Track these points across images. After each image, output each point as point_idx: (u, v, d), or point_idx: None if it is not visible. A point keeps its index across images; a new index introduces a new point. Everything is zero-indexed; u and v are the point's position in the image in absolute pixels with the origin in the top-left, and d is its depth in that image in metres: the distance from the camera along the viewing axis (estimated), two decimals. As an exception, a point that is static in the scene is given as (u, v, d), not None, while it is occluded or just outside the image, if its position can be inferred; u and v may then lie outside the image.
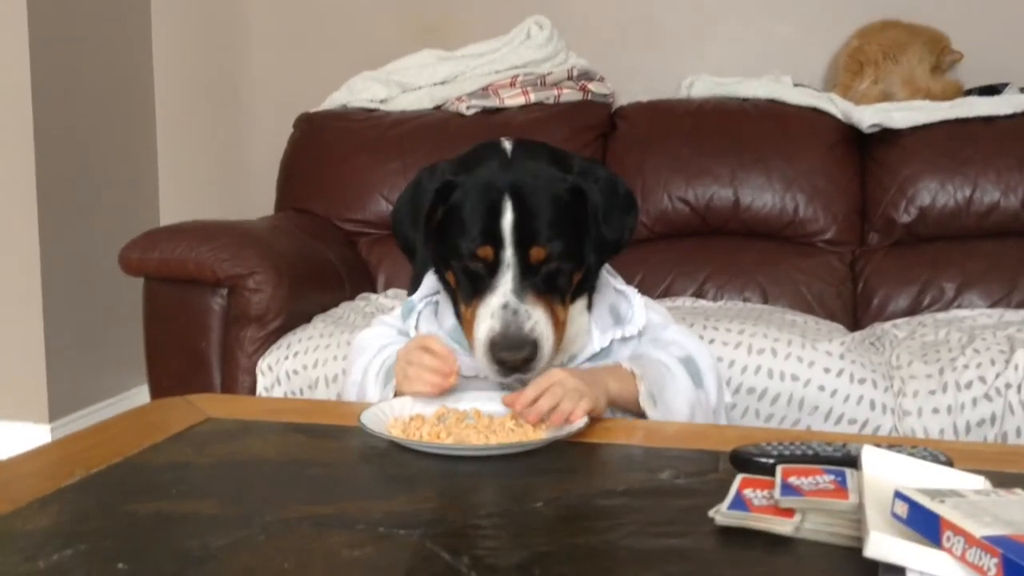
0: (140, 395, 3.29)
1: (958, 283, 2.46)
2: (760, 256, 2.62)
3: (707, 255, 2.65)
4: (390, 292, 2.60)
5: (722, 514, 0.87)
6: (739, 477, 0.95)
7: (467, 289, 1.30)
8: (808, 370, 1.93)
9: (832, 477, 0.90)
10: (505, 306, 1.24)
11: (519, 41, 3.02)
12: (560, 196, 1.31)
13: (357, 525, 0.88)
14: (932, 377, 1.92)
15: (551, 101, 2.94)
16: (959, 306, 2.42)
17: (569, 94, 2.96)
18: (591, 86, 2.98)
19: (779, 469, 0.92)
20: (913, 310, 2.47)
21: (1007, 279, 2.43)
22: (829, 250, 2.64)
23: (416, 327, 1.46)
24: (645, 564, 0.80)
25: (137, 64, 3.44)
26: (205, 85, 3.54)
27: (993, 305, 2.40)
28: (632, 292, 1.49)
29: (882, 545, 0.75)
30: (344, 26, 3.41)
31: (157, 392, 2.37)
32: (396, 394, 1.32)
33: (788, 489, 0.88)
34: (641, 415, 1.34)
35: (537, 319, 1.25)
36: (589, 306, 1.44)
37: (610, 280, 1.51)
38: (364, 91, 3.06)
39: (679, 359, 1.42)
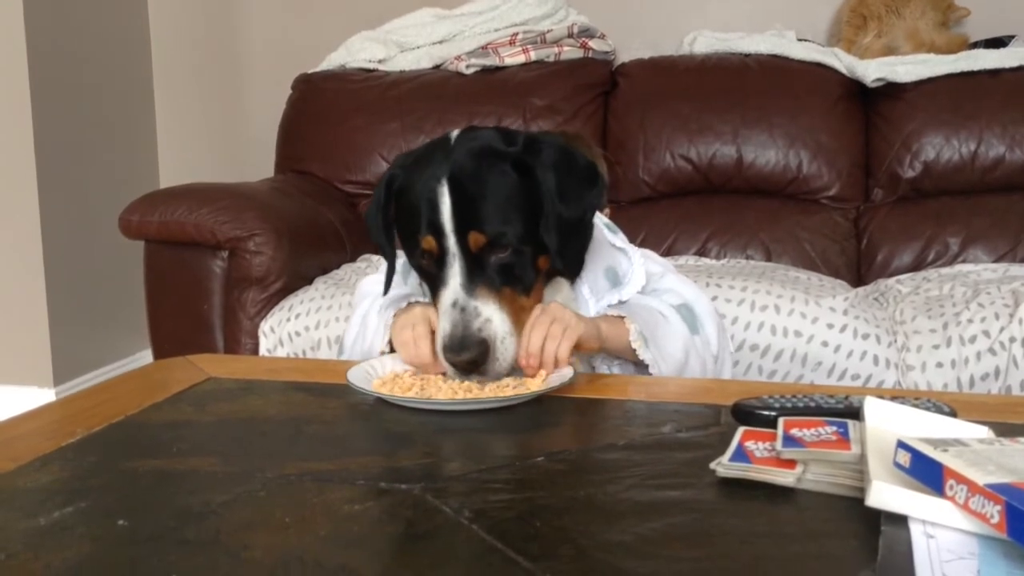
0: (145, 359, 3.30)
1: (962, 238, 2.45)
2: (763, 213, 2.61)
3: (710, 213, 2.64)
4: (391, 253, 2.59)
5: (723, 466, 0.87)
6: (740, 429, 0.95)
7: (430, 288, 1.26)
8: (811, 326, 1.93)
9: (834, 428, 0.90)
10: (455, 303, 1.18)
11: (519, -2, 2.98)
12: (503, 174, 1.22)
13: (357, 480, 0.88)
14: (936, 332, 1.91)
15: (551, 59, 2.91)
16: (963, 261, 2.41)
17: (570, 52, 2.93)
18: (592, 43, 2.95)
19: (781, 421, 0.92)
20: (917, 266, 2.47)
21: (1012, 234, 2.42)
22: (833, 207, 2.62)
23: (422, 284, 1.45)
24: (646, 515, 0.80)
25: (133, 26, 3.41)
26: (202, 46, 3.51)
27: (998, 260, 2.39)
28: (633, 250, 1.46)
29: (884, 494, 0.75)
30: (342, -15, 3.37)
31: (160, 355, 2.37)
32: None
33: (790, 441, 0.87)
34: (635, 361, 1.33)
35: (489, 315, 1.17)
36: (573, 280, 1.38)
37: (608, 237, 1.45)
38: (362, 51, 3.04)
39: (674, 306, 1.40)
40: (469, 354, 1.16)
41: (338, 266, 2.47)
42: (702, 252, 2.58)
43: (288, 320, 2.18)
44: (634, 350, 1.31)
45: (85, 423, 1.07)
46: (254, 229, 2.24)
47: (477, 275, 1.19)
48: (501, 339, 1.18)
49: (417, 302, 1.34)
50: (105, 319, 3.21)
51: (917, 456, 0.76)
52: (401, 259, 1.53)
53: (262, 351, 2.20)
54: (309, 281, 2.34)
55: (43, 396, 2.94)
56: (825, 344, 1.91)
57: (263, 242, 2.24)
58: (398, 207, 1.28)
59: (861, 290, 2.20)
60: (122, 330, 3.26)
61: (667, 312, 1.38)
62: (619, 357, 1.36)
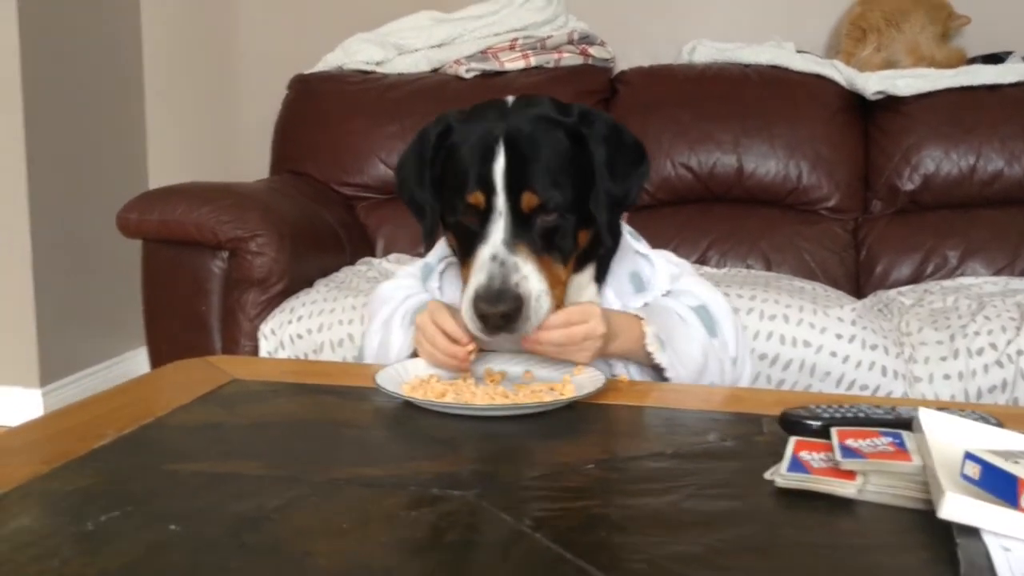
0: (132, 360, 3.24)
1: (961, 251, 2.47)
2: (763, 223, 2.61)
3: (710, 222, 2.64)
4: (391, 257, 2.57)
5: (782, 476, 0.86)
6: (792, 439, 0.94)
7: (465, 246, 1.24)
8: (820, 336, 1.93)
9: (889, 439, 0.89)
10: (494, 257, 1.17)
11: (519, 3, 2.98)
12: (558, 141, 1.24)
13: (409, 486, 0.86)
14: (943, 344, 1.92)
15: (551, 65, 2.91)
16: (962, 274, 2.43)
17: (569, 58, 2.92)
18: (592, 50, 2.94)
19: (834, 431, 0.91)
20: (916, 278, 2.47)
21: (1010, 247, 2.44)
22: (832, 218, 2.63)
23: (440, 288, 1.43)
24: (711, 526, 0.79)
25: (125, 24, 3.36)
26: (194, 45, 3.47)
27: (996, 273, 2.41)
28: (656, 255, 1.46)
29: (958, 506, 0.74)
30: (339, -14, 3.35)
31: (156, 356, 2.33)
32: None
33: (848, 451, 0.86)
34: (651, 364, 1.32)
35: (527, 273, 1.17)
36: (599, 278, 1.38)
37: (632, 243, 1.46)
38: (359, 53, 3.01)
39: (691, 308, 1.39)
40: (504, 306, 1.14)
41: (338, 268, 2.44)
42: (702, 260, 2.58)
43: (290, 323, 2.15)
44: (649, 353, 1.29)
45: (114, 425, 1.04)
46: (256, 230, 2.21)
47: (520, 234, 1.19)
48: (536, 297, 1.17)
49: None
50: (93, 319, 3.15)
51: (988, 468, 0.76)
52: (420, 262, 1.52)
53: (262, 354, 2.17)
54: (310, 283, 2.31)
55: (29, 397, 2.88)
56: (834, 354, 1.91)
57: (265, 243, 2.21)
58: (447, 159, 1.27)
59: (866, 300, 2.21)
60: (110, 330, 3.21)
61: (685, 314, 1.37)
62: (634, 360, 1.35)
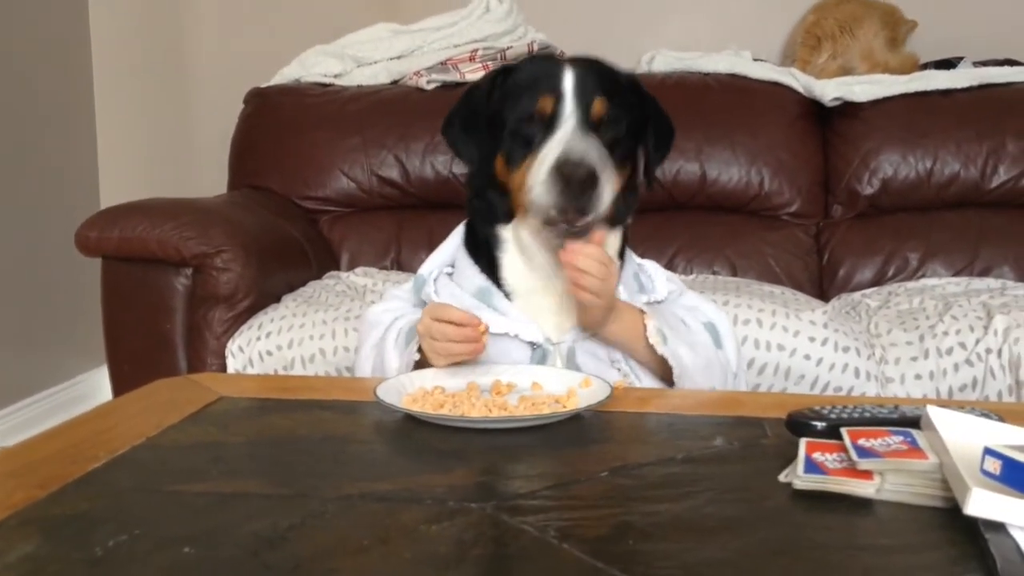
0: (87, 382, 3.16)
1: (921, 253, 2.50)
2: (727, 230, 2.63)
3: (675, 229, 2.65)
4: (358, 270, 2.53)
5: (800, 478, 0.86)
6: (803, 441, 0.94)
7: (520, 152, 1.27)
8: (793, 339, 1.94)
9: (901, 438, 0.90)
10: (568, 139, 1.22)
11: (478, 15, 2.97)
12: (618, 80, 1.33)
13: (424, 500, 0.85)
14: (913, 344, 1.95)
15: (512, 75, 2.90)
16: (923, 276, 2.46)
17: (530, 68, 2.92)
18: (552, 60, 2.94)
19: (845, 432, 0.91)
20: (878, 281, 2.51)
21: (969, 248, 2.48)
22: (794, 223, 2.65)
23: (436, 293, 1.41)
24: (736, 531, 0.78)
25: (73, 36, 3.28)
26: (145, 58, 3.40)
27: (956, 274, 2.45)
28: (651, 265, 1.50)
29: (985, 502, 0.74)
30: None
31: (118, 377, 2.27)
32: (420, 364, 1.28)
33: (863, 451, 0.87)
34: (651, 361, 1.34)
35: (599, 158, 1.21)
36: (621, 255, 1.42)
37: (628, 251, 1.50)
38: (317, 65, 2.98)
39: (701, 322, 1.42)
40: (586, 168, 1.18)
41: (304, 283, 2.40)
42: (669, 268, 2.55)
43: (258, 339, 2.10)
44: (650, 347, 1.31)
45: (105, 447, 1.01)
46: (221, 245, 2.16)
47: (588, 136, 1.24)
48: (607, 178, 1.21)
49: None
50: (45, 340, 3.06)
51: (1009, 463, 0.76)
52: (410, 282, 1.50)
53: (231, 372, 2.12)
54: (276, 299, 2.27)
55: (-19, 422, 2.80)
56: (807, 357, 1.93)
57: (231, 259, 2.16)
58: (506, 92, 1.31)
59: (834, 303, 2.24)
60: (63, 352, 3.12)
61: (691, 322, 1.39)
62: (632, 353, 1.36)
